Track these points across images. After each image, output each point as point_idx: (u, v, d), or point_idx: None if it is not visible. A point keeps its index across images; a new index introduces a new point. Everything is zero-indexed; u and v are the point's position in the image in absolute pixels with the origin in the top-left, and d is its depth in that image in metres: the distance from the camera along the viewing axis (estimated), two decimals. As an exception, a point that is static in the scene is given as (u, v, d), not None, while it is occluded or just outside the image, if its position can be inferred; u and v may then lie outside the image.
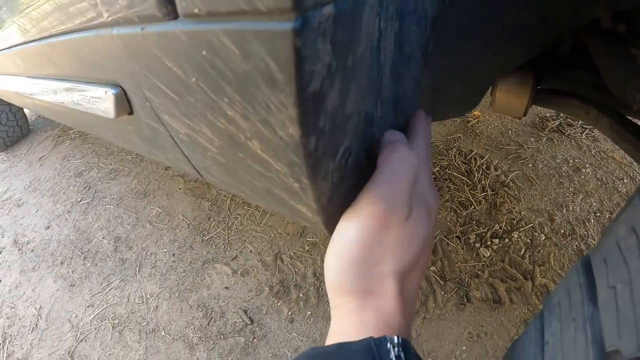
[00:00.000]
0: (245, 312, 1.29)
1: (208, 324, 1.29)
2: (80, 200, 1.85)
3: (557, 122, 1.80)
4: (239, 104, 0.28)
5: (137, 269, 1.48)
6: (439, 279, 1.28)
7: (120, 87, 0.46)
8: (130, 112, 0.49)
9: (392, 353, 0.29)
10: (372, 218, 0.33)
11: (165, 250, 1.53)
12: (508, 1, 0.49)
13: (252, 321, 1.27)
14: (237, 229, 1.56)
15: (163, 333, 1.29)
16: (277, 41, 0.21)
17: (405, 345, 0.30)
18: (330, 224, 0.38)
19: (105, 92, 0.48)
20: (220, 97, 0.29)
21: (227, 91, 0.28)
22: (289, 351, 1.19)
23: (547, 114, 1.87)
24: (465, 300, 1.23)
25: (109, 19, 0.34)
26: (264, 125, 0.28)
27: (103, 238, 1.63)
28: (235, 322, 1.27)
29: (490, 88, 0.94)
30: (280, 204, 0.39)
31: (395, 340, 0.30)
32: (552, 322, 0.33)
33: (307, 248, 1.45)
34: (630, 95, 0.61)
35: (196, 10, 0.24)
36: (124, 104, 0.47)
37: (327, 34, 0.22)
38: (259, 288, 1.35)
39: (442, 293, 1.25)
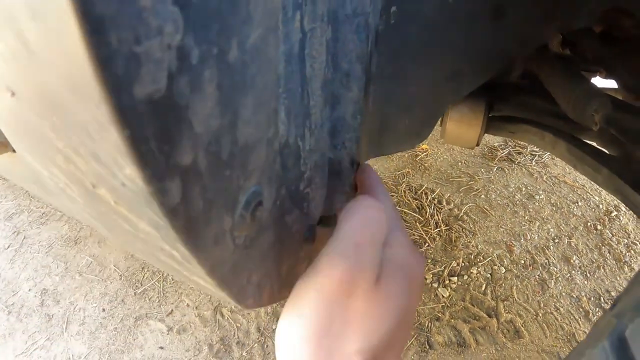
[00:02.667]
0: (183, 375, 1.07)
1: (140, 391, 1.07)
2: (8, 247, 1.58)
3: (506, 151, 1.72)
4: (59, 128, 0.17)
5: (64, 327, 1.25)
6: (397, 325, 1.11)
7: None
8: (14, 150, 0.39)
9: None
10: (331, 281, 0.25)
11: (95, 305, 1.30)
12: (462, 20, 0.42)
13: (190, 386, 1.05)
14: (172, 280, 1.35)
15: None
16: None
17: None
18: (245, 299, 0.28)
19: None
20: (43, 118, 0.17)
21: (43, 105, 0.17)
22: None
23: (496, 143, 1.79)
24: (428, 347, 1.09)
25: None
26: (97, 162, 0.17)
27: (29, 290, 1.39)
28: (171, 389, 1.06)
29: (440, 118, 0.85)
30: (176, 273, 0.28)
31: None
32: None
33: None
34: (589, 118, 0.58)
35: None
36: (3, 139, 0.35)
37: None
38: (198, 347, 1.14)
39: (402, 341, 1.08)
